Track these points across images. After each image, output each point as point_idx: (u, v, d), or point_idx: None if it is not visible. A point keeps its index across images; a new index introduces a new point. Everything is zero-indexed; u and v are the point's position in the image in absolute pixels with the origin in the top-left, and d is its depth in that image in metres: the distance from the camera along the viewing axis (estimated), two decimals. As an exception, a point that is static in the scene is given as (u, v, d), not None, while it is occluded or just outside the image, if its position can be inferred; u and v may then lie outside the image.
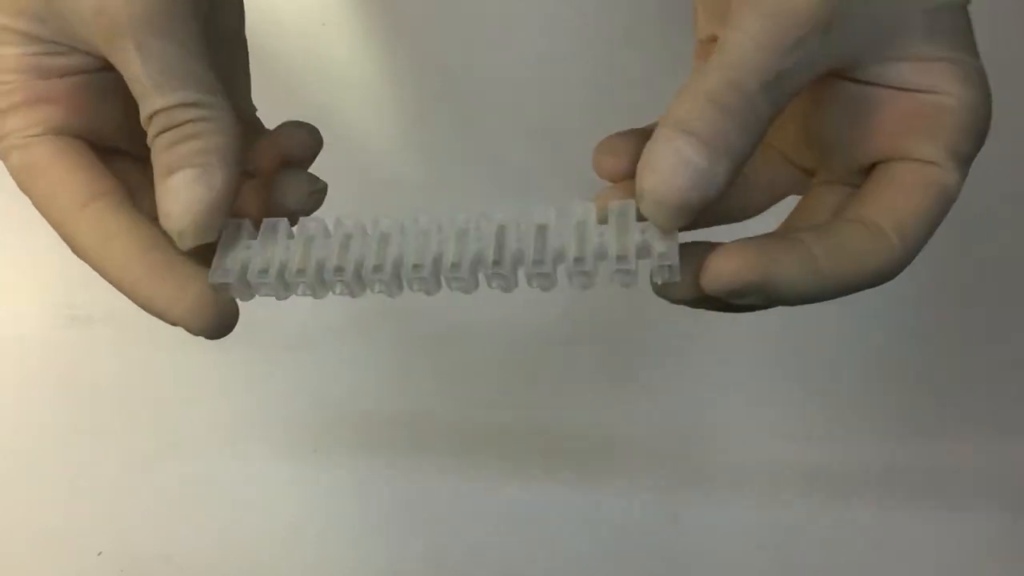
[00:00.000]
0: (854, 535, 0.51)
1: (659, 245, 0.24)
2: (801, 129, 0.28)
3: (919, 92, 0.25)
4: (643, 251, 0.24)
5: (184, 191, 0.25)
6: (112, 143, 0.29)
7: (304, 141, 0.31)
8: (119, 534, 0.50)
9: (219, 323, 0.26)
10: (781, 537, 0.50)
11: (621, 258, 0.24)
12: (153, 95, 0.26)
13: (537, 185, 0.51)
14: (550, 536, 0.49)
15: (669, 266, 0.24)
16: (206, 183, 0.25)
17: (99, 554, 0.50)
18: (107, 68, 0.27)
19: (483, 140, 0.51)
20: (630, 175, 0.25)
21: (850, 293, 0.25)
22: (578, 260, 0.24)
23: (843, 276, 0.24)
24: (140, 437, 0.51)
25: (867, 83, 0.25)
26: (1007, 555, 0.51)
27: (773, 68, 0.23)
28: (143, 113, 0.26)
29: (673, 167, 0.23)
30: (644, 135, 0.24)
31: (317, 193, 0.30)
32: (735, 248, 0.24)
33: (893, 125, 0.25)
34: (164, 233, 0.26)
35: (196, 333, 0.26)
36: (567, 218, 0.25)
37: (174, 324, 0.26)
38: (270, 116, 0.50)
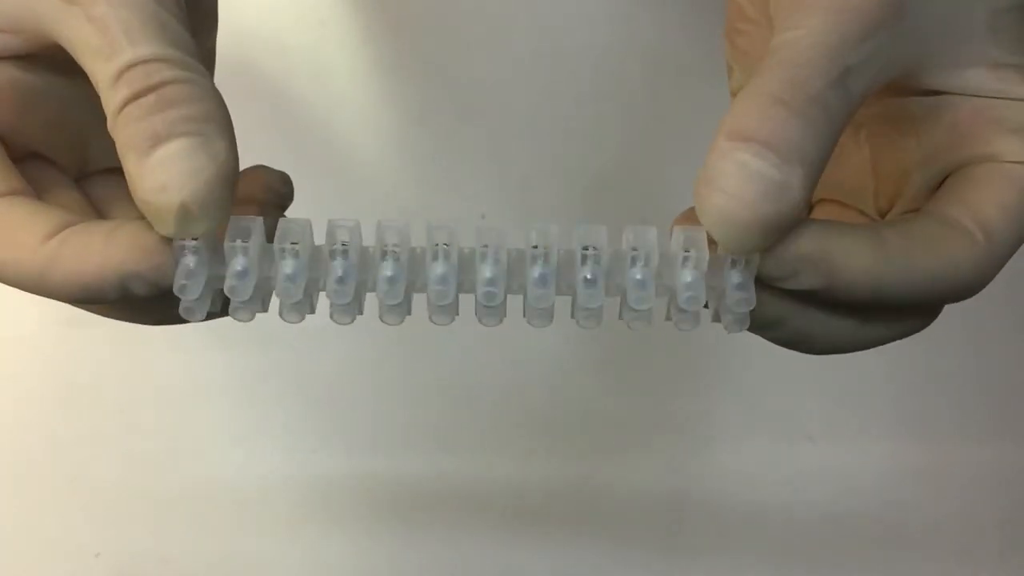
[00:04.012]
0: (855, 535, 0.51)
1: (733, 289, 0.21)
2: (864, 165, 0.25)
3: (990, 97, 0.23)
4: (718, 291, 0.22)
5: (183, 159, 0.20)
6: (29, 146, 0.24)
7: (274, 187, 0.25)
8: (117, 535, 0.50)
9: (166, 262, 0.21)
10: (781, 536, 0.51)
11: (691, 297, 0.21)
12: (123, 45, 0.21)
13: (537, 185, 0.51)
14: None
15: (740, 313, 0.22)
16: (208, 152, 0.20)
17: (97, 555, 0.50)
18: (31, 55, 0.23)
19: (483, 140, 0.51)
20: None
21: (929, 294, 0.22)
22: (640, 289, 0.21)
23: (917, 263, 0.21)
24: (139, 438, 0.51)
25: (934, 92, 0.23)
26: (1008, 554, 0.50)
27: (840, 63, 0.20)
28: (106, 74, 0.21)
29: (738, 178, 0.19)
30: None
31: None
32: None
33: (969, 128, 0.23)
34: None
35: (152, 281, 0.21)
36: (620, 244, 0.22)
37: (118, 288, 0.21)
38: (269, 115, 0.50)
